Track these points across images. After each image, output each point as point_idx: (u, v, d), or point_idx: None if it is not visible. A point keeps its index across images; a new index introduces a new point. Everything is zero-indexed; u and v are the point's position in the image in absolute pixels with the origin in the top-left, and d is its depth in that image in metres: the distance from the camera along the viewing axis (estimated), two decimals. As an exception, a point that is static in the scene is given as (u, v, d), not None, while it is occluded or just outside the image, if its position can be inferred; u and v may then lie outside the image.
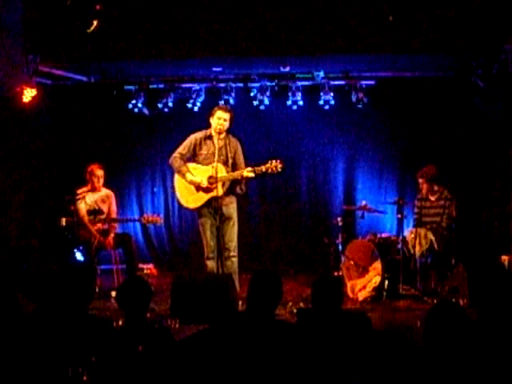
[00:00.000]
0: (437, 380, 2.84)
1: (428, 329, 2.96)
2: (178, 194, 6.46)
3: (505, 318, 3.20)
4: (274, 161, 6.07)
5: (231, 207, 6.30)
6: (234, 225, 6.32)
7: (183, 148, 6.40)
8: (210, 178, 6.16)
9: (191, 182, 6.30)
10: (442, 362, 2.86)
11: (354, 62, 7.41)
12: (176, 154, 6.40)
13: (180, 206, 6.78)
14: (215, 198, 6.16)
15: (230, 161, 6.24)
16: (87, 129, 8.46)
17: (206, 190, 6.22)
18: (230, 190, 6.26)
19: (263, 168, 6.07)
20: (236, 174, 6.17)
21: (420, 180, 6.93)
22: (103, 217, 7.00)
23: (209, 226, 6.30)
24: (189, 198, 6.36)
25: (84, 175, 7.06)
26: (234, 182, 6.24)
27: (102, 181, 7.06)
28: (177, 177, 6.45)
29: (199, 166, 6.32)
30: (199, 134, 6.37)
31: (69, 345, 3.20)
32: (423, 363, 2.88)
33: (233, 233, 6.31)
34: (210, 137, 6.29)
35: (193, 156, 6.38)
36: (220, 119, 6.21)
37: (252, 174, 6.09)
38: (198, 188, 6.28)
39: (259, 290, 3.30)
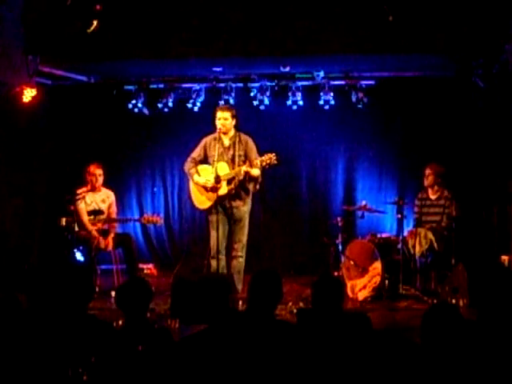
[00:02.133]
0: (435, 380, 2.84)
1: (424, 331, 2.96)
2: (192, 196, 6.56)
3: (505, 318, 3.20)
4: (268, 154, 6.13)
5: (242, 210, 6.35)
6: (243, 227, 6.41)
7: (195, 152, 6.51)
8: (216, 177, 6.19)
9: (197, 183, 6.38)
10: (440, 362, 2.86)
11: (354, 62, 7.40)
12: (188, 159, 6.52)
13: (194, 208, 6.80)
14: (222, 197, 6.22)
15: (239, 158, 6.28)
16: (87, 129, 8.46)
17: (213, 190, 6.27)
18: (240, 189, 6.27)
19: (258, 161, 6.12)
20: (236, 171, 6.19)
21: (427, 171, 6.91)
22: (103, 217, 7.01)
23: (215, 224, 6.31)
24: (200, 198, 6.46)
25: (84, 175, 7.06)
26: (245, 181, 6.27)
27: (101, 180, 7.06)
28: (190, 180, 6.52)
29: (208, 167, 6.38)
30: (209, 137, 6.47)
31: (69, 345, 3.20)
32: (421, 364, 2.88)
33: (242, 234, 6.41)
34: (219, 138, 6.34)
35: (205, 159, 6.46)
36: (220, 119, 6.28)
37: (249, 169, 6.13)
38: (206, 188, 6.32)
39: (259, 290, 3.30)
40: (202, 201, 6.44)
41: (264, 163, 6.12)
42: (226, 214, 6.32)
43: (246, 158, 6.28)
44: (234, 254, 6.37)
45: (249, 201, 6.41)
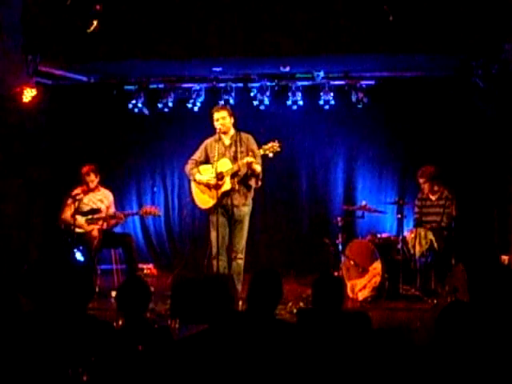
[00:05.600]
0: (441, 381, 2.84)
1: (439, 329, 2.93)
2: (194, 197, 6.51)
3: (505, 318, 3.20)
4: (271, 142, 6.12)
5: (243, 210, 6.30)
6: (243, 228, 6.34)
7: (195, 154, 6.49)
8: (218, 174, 6.18)
9: (200, 181, 6.35)
10: (452, 362, 2.84)
11: (354, 61, 7.41)
12: (189, 160, 6.49)
13: (199, 210, 6.74)
14: (226, 193, 6.18)
15: (241, 155, 6.23)
16: (87, 129, 8.46)
17: (217, 187, 6.24)
18: (241, 185, 6.25)
19: (261, 150, 6.13)
20: (238, 164, 6.17)
21: (421, 180, 6.94)
22: (103, 215, 7.00)
23: (216, 224, 6.28)
24: (203, 197, 6.40)
25: (80, 176, 7.07)
26: (248, 176, 6.24)
27: (96, 181, 7.04)
28: (192, 180, 6.51)
29: (209, 166, 6.37)
30: (210, 139, 6.45)
31: (69, 345, 3.20)
32: (431, 363, 2.86)
33: (241, 236, 6.35)
34: (219, 139, 6.34)
35: (206, 160, 6.43)
36: (218, 119, 6.28)
37: (252, 159, 6.08)
38: (209, 186, 6.30)
39: (259, 290, 3.30)
40: (204, 200, 6.39)
41: (268, 151, 6.11)
42: (227, 214, 6.26)
43: (248, 155, 6.27)
44: (234, 255, 6.31)
45: (250, 200, 6.36)
